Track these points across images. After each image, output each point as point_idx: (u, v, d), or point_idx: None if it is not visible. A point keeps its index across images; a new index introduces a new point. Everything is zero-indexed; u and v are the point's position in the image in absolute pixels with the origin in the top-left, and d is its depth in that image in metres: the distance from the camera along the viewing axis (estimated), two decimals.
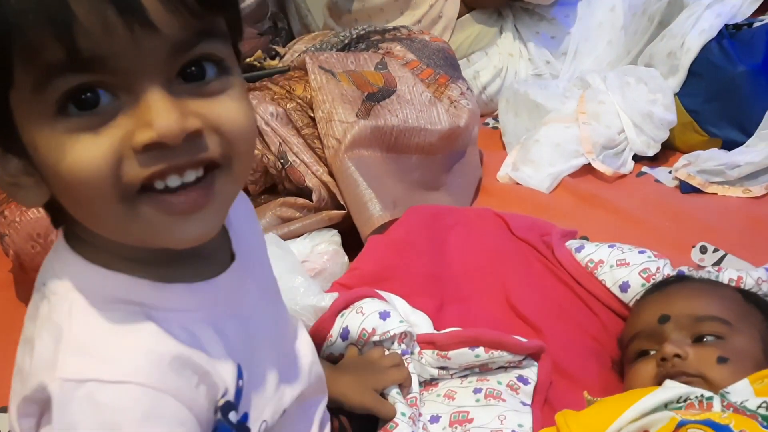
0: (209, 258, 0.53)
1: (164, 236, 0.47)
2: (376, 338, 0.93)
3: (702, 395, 0.81)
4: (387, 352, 0.93)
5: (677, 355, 0.88)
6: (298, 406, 0.60)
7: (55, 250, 0.51)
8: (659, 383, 0.88)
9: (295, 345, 0.61)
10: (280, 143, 1.21)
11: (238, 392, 0.52)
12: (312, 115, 1.23)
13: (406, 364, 0.92)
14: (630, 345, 0.97)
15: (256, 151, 1.20)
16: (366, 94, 1.24)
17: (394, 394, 0.89)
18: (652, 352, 0.92)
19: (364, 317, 0.94)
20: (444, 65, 1.38)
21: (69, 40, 0.41)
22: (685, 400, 0.81)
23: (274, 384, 0.56)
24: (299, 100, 1.24)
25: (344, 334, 0.94)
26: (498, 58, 1.66)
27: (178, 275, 0.50)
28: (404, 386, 0.90)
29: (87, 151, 0.43)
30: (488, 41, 1.67)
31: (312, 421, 0.63)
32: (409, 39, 1.41)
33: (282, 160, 1.21)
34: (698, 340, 0.90)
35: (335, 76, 1.25)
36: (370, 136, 1.21)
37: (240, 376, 0.52)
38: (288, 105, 1.23)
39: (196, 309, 0.51)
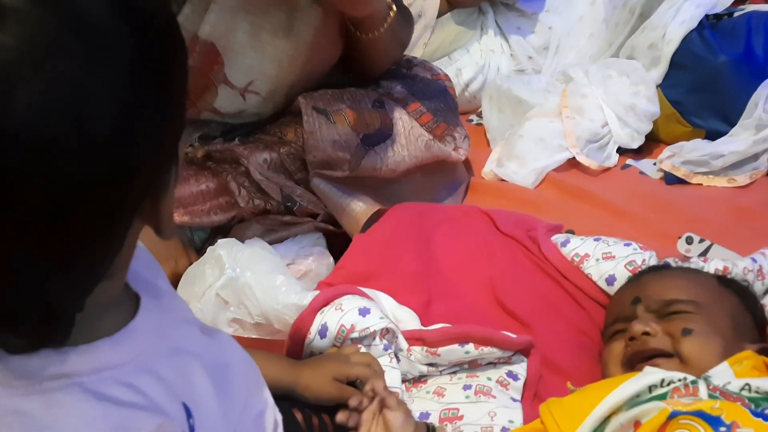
0: (114, 305, 0.50)
1: None
2: (355, 335, 0.92)
3: (685, 378, 0.81)
4: (362, 349, 0.92)
5: (646, 333, 0.89)
6: (250, 416, 0.58)
7: None
8: (629, 363, 0.90)
9: (223, 358, 0.57)
10: (281, 188, 1.17)
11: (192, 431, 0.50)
12: (304, 158, 1.17)
13: (379, 365, 0.91)
14: (606, 330, 1.00)
15: (258, 202, 1.16)
16: (361, 135, 1.17)
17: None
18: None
19: (342, 314, 0.93)
20: (444, 111, 1.30)
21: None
22: (668, 384, 0.81)
23: (217, 407, 0.53)
24: (293, 145, 1.17)
25: (323, 332, 0.93)
26: (480, 55, 1.66)
27: (98, 330, 0.47)
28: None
29: None
30: (469, 38, 1.66)
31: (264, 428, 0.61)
32: (410, 77, 1.33)
33: (289, 203, 1.17)
34: (665, 317, 0.92)
35: (329, 118, 1.17)
36: (354, 178, 1.19)
37: (189, 414, 0.49)
38: (281, 149, 1.17)
39: (126, 361, 0.47)
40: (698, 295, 0.94)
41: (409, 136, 1.21)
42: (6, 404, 0.43)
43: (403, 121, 1.22)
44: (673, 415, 0.75)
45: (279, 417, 0.63)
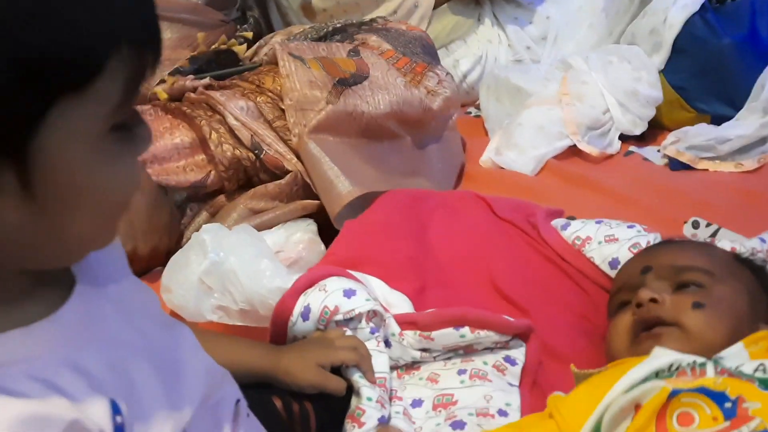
0: (42, 290, 0.46)
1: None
2: (339, 317, 0.87)
3: (695, 362, 0.76)
4: (348, 332, 0.87)
5: (653, 300, 0.84)
6: (205, 408, 0.54)
7: None
8: (635, 333, 0.85)
9: (178, 354, 0.53)
10: (251, 135, 1.16)
11: (119, 429, 0.45)
12: (282, 107, 1.18)
13: (366, 349, 0.86)
14: (612, 300, 0.94)
15: (227, 147, 1.16)
16: (337, 79, 1.20)
17: (356, 377, 0.83)
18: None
19: (326, 295, 0.88)
20: (421, 53, 1.34)
21: (155, 64, 0.42)
22: (677, 368, 0.76)
23: (165, 403, 0.49)
24: (270, 93, 1.20)
25: (305, 314, 0.88)
26: (477, 46, 1.63)
27: (11, 320, 0.43)
28: (365, 370, 0.84)
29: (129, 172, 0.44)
30: (467, 29, 1.63)
31: (222, 418, 0.56)
32: (385, 29, 1.38)
33: (256, 151, 1.16)
34: (678, 288, 0.86)
35: (305, 63, 1.20)
36: (338, 122, 1.17)
37: (117, 411, 0.45)
38: (258, 98, 1.19)
39: (42, 353, 0.43)
40: (713, 266, 0.88)
41: (387, 77, 1.21)
42: None
43: (380, 65, 1.23)
44: (674, 394, 0.70)
45: (244, 403, 0.59)
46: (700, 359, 0.76)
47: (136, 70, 0.41)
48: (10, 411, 0.40)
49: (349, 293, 0.90)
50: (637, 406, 0.72)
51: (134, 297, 0.53)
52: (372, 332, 0.90)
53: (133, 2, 0.42)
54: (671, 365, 0.76)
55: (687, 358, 0.77)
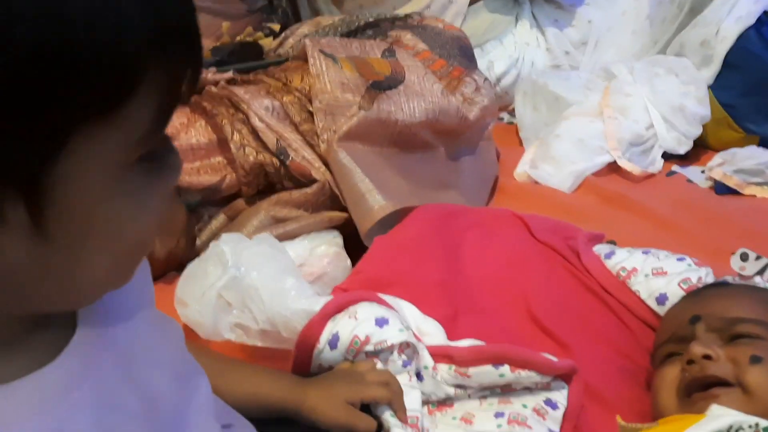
0: (41, 334, 0.40)
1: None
2: (369, 348, 0.81)
3: (757, 424, 0.69)
4: (379, 365, 0.81)
5: (707, 356, 0.78)
6: None
7: None
8: (686, 391, 0.79)
9: (186, 415, 0.47)
10: (277, 139, 1.09)
11: None
12: (311, 109, 1.11)
13: (398, 385, 0.80)
14: (658, 350, 0.88)
15: (249, 150, 1.08)
16: (370, 82, 1.12)
17: (387, 416, 0.77)
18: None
19: (357, 323, 0.82)
20: (458, 56, 1.26)
21: (194, 84, 0.37)
22: (737, 430, 0.70)
23: None
24: (297, 93, 1.12)
25: (333, 342, 0.81)
26: (514, 47, 1.55)
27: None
28: (396, 408, 0.78)
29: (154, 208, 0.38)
30: (503, 29, 1.55)
31: None
32: (421, 27, 1.29)
33: (282, 156, 1.09)
34: (731, 341, 0.80)
35: (336, 62, 1.13)
36: (369, 129, 1.09)
37: None
38: (284, 98, 1.11)
39: (24, 418, 0.37)
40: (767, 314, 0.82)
41: (423, 82, 1.13)
42: None
43: (416, 68, 1.14)
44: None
45: None
46: (763, 422, 0.70)
47: (172, 91, 0.35)
48: None
49: (381, 322, 0.83)
50: None
51: (147, 339, 0.46)
52: (404, 365, 0.83)
53: (174, 14, 0.35)
54: (730, 426, 0.70)
55: (749, 419, 0.71)
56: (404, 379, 0.83)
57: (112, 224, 0.36)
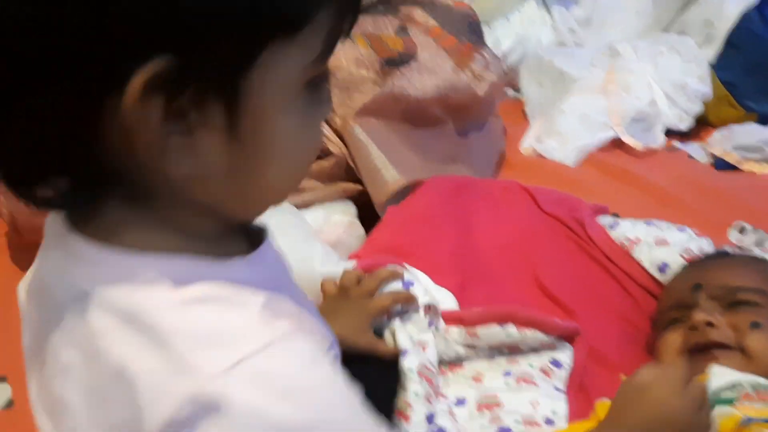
0: (231, 237, 0.46)
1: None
2: (398, 307, 0.86)
3: (759, 383, 0.74)
4: (398, 322, 0.86)
5: (709, 323, 0.82)
6: None
7: (74, 252, 0.41)
8: (688, 354, 0.83)
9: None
10: None
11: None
12: None
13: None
14: (661, 316, 0.92)
15: None
16: (385, 59, 1.15)
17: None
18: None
19: (386, 284, 0.87)
20: (468, 33, 1.29)
21: (351, 27, 0.42)
22: (738, 389, 0.74)
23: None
24: None
25: None
26: (520, 25, 1.58)
27: (230, 250, 0.44)
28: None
29: (317, 130, 0.45)
30: (510, 7, 1.58)
31: None
32: (432, 3, 1.32)
33: None
34: (731, 307, 0.84)
35: (351, 38, 1.16)
36: (384, 105, 1.12)
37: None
38: None
39: (258, 283, 0.42)
40: (766, 284, 0.86)
41: (435, 59, 1.17)
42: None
43: (428, 45, 1.17)
44: (746, 422, 0.68)
45: None
46: (764, 381, 0.74)
47: (337, 27, 0.41)
48: (266, 302, 0.41)
49: (407, 284, 0.89)
50: None
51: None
52: (429, 325, 0.88)
53: None
54: (732, 384, 0.74)
55: (748, 378, 0.75)
56: (429, 337, 0.88)
57: (287, 137, 0.42)
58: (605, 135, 1.34)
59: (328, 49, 0.41)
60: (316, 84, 0.42)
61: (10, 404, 0.97)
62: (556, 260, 1.04)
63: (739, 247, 1.09)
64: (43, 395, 0.44)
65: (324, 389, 0.40)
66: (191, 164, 0.39)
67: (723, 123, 1.38)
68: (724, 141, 1.31)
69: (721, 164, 1.30)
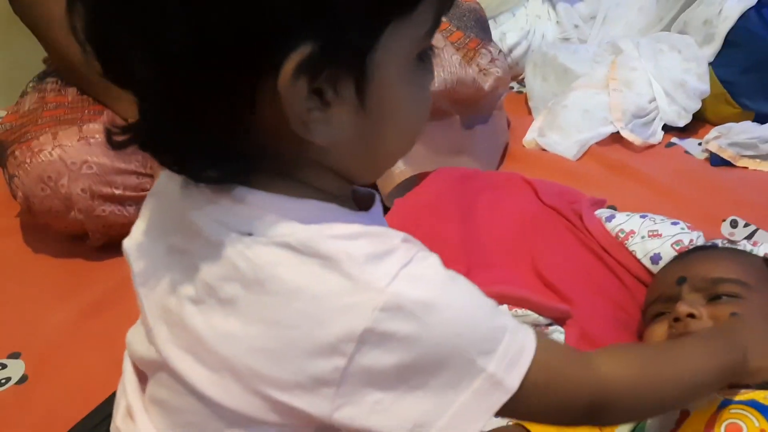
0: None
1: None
2: None
3: None
4: None
5: (691, 315, 0.85)
6: None
7: (240, 198, 0.47)
8: None
9: None
10: None
11: None
12: None
13: None
14: (648, 309, 0.96)
15: None
16: None
17: None
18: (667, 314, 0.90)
19: None
20: (475, 28, 1.33)
21: (451, 4, 0.48)
22: None
23: None
24: None
25: None
26: (525, 20, 1.62)
27: (353, 208, 0.52)
28: None
29: (427, 99, 0.51)
30: (516, 2, 1.62)
31: None
32: None
33: None
34: (713, 299, 0.87)
35: None
36: None
37: None
38: None
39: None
40: (747, 276, 0.90)
41: (443, 54, 1.21)
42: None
43: (436, 39, 1.21)
44: (724, 405, 0.73)
45: None
46: None
47: (443, 2, 0.47)
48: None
49: None
50: (682, 412, 0.75)
51: None
52: None
53: None
54: None
55: None
56: None
57: (404, 105, 0.48)
58: (606, 130, 1.38)
59: (436, 23, 0.47)
60: (425, 54, 0.48)
61: (24, 379, 1.01)
62: (554, 250, 1.09)
63: (731, 241, 1.14)
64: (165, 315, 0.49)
65: (460, 278, 0.49)
66: (328, 134, 0.45)
67: (720, 120, 1.41)
68: (720, 138, 1.35)
69: (716, 160, 1.34)
